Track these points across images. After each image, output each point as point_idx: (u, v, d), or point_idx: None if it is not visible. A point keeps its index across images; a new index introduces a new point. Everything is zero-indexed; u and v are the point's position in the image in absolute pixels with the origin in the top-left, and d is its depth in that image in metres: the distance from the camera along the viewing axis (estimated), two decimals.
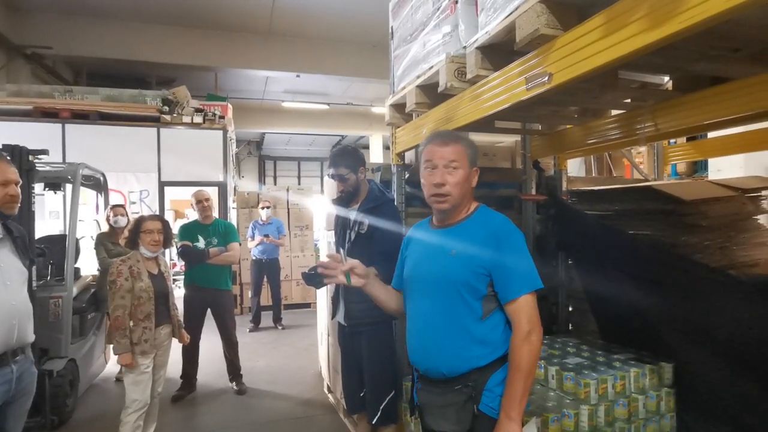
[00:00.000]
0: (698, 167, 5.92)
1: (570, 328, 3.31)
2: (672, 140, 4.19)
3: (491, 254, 1.44)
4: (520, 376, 1.37)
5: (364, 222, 2.45)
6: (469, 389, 1.46)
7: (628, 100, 2.45)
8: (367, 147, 14.03)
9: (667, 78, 2.30)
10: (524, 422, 1.43)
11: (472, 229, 1.51)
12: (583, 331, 3.15)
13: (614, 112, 2.64)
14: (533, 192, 3.30)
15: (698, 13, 1.05)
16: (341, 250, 1.75)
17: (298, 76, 9.07)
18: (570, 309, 3.32)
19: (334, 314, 2.75)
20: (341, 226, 2.64)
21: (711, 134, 3.77)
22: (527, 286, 1.42)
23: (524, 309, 1.41)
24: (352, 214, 2.56)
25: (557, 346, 2.61)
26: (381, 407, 2.44)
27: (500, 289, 1.44)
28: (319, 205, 8.02)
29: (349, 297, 2.45)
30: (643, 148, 4.56)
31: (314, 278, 2.06)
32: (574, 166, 5.27)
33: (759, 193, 2.83)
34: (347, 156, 2.51)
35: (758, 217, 2.80)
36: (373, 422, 2.47)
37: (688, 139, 4.30)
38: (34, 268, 2.75)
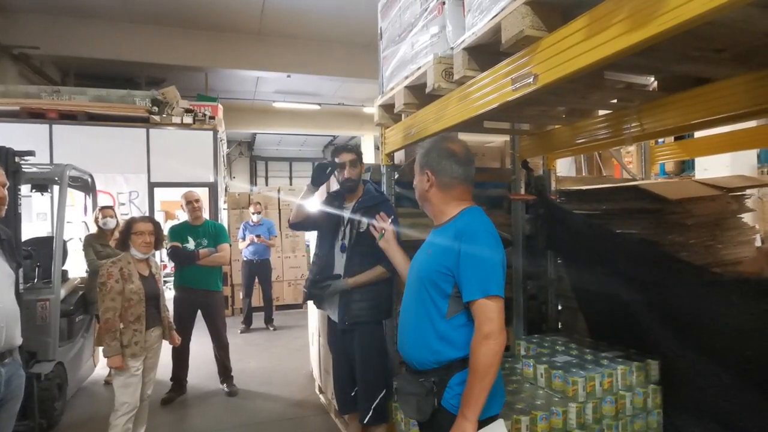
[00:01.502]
0: (686, 166, 5.99)
1: (559, 326, 3.34)
2: (660, 140, 4.24)
3: (454, 255, 1.50)
4: (475, 377, 1.41)
5: (363, 221, 2.46)
6: (431, 384, 1.53)
7: (615, 101, 2.47)
8: (359, 146, 14.03)
9: (652, 79, 2.33)
10: (489, 422, 1.47)
11: (448, 231, 1.59)
12: (572, 329, 3.17)
13: (601, 112, 2.66)
14: (522, 192, 3.32)
15: (679, 15, 1.06)
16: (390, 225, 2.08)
17: (289, 76, 9.05)
18: (559, 308, 3.35)
19: (306, 299, 2.79)
20: (333, 224, 2.62)
21: (698, 134, 3.82)
22: (479, 291, 1.45)
23: (483, 312, 1.44)
24: (346, 213, 2.56)
25: (546, 345, 2.63)
26: (373, 406, 2.45)
27: (461, 290, 1.49)
28: (311, 205, 7.97)
29: (349, 296, 2.46)
30: (631, 148, 4.60)
31: (319, 293, 2.26)
32: (565, 166, 5.31)
33: (743, 192, 2.87)
34: (352, 147, 2.66)
35: (742, 215, 2.84)
36: (365, 422, 2.48)
37: (675, 139, 4.35)
38: (21, 270, 2.72)
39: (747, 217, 2.92)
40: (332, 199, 2.69)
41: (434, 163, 1.64)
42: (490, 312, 1.43)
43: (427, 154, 1.67)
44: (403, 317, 1.70)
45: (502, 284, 1.48)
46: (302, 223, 2.73)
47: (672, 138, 4.37)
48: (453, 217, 1.63)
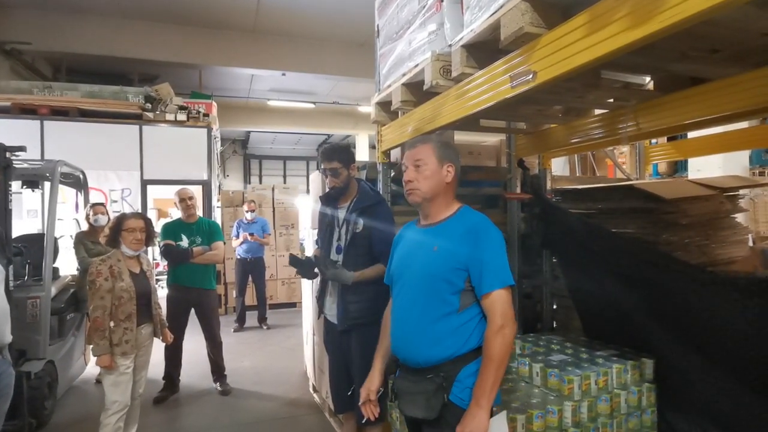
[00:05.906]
0: (678, 167, 6.04)
1: (554, 325, 3.34)
2: (653, 140, 4.26)
3: (468, 250, 1.53)
4: (491, 367, 1.45)
5: (359, 221, 2.44)
6: (440, 379, 1.54)
7: (611, 100, 2.47)
8: (353, 146, 14.02)
9: (648, 78, 2.33)
10: (494, 413, 1.50)
11: (453, 227, 1.61)
12: (567, 328, 3.18)
13: (597, 111, 2.67)
14: (518, 190, 3.32)
15: (677, 13, 1.07)
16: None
17: (283, 74, 9.02)
18: (554, 307, 3.36)
19: (320, 314, 2.73)
20: (327, 225, 2.61)
21: (691, 134, 3.85)
22: (499, 282, 1.51)
23: (498, 303, 1.50)
24: (341, 213, 2.54)
25: (542, 344, 2.63)
26: None
27: (476, 284, 1.53)
28: (305, 204, 7.94)
29: (346, 297, 2.42)
30: (625, 148, 4.62)
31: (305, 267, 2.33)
32: (558, 166, 5.33)
33: (737, 192, 2.89)
34: (340, 151, 2.49)
35: (736, 215, 2.86)
36: (363, 421, 2.45)
37: (669, 140, 4.38)
38: (11, 267, 2.69)
39: (740, 217, 2.94)
40: (325, 200, 2.66)
41: (453, 158, 1.67)
42: (505, 303, 1.50)
43: (448, 147, 1.68)
44: (402, 317, 1.66)
45: None
46: None
47: (665, 138, 4.40)
48: (452, 214, 1.64)
